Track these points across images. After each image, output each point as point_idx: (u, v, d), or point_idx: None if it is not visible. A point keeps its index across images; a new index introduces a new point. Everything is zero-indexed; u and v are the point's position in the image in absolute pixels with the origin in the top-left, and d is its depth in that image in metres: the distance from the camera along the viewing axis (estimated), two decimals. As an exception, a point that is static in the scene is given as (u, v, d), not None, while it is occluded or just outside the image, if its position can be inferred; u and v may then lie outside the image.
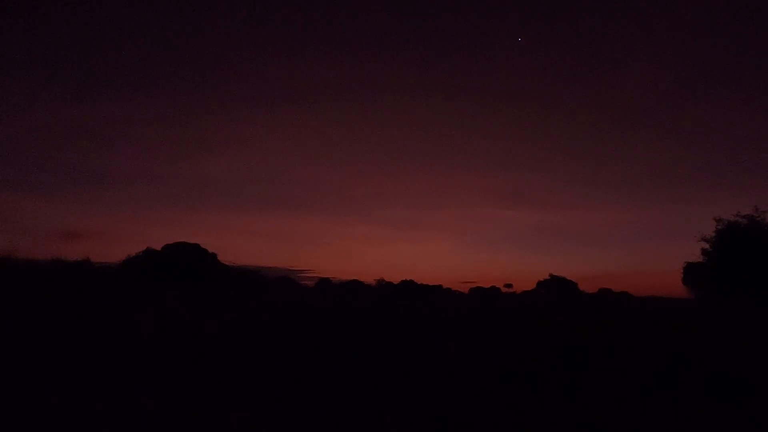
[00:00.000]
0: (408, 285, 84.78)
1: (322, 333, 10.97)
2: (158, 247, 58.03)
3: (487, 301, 49.61)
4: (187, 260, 55.78)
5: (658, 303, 47.62)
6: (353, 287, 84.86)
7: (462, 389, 5.40)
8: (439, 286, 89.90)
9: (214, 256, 61.18)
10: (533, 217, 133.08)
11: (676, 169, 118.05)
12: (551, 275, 79.58)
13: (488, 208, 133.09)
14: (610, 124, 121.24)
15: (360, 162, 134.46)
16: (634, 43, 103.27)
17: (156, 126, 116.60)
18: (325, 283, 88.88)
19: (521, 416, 4.39)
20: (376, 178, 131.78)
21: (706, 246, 36.02)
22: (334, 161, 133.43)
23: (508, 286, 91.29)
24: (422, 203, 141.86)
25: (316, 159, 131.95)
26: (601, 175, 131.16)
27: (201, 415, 4.22)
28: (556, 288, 76.14)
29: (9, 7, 78.14)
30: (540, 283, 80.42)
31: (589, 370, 6.67)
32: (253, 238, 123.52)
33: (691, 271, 38.72)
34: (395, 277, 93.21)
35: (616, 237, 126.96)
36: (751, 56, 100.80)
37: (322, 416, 4.28)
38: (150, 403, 4.52)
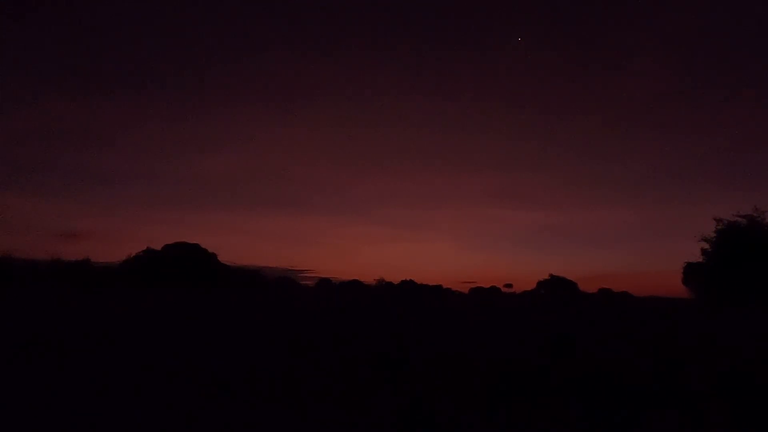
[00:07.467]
0: (408, 285, 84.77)
1: (321, 333, 10.97)
2: (158, 247, 58.20)
3: (487, 301, 49.61)
4: (187, 260, 55.85)
5: (658, 303, 47.62)
6: (353, 287, 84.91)
7: (460, 390, 5.40)
8: (439, 286, 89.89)
9: (214, 256, 61.28)
10: (533, 217, 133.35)
11: (676, 169, 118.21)
12: (551, 275, 79.58)
13: (488, 208, 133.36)
14: (610, 124, 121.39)
15: (360, 162, 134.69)
16: (634, 43, 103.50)
17: (156, 126, 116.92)
18: (325, 283, 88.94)
19: (519, 417, 4.39)
20: (376, 178, 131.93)
21: (706, 246, 36.09)
22: (334, 161, 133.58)
23: (508, 286, 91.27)
24: (422, 203, 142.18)
25: (316, 159, 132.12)
26: (601, 175, 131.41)
27: (200, 415, 4.22)
28: (556, 288, 76.12)
29: (9, 7, 78.21)
30: (540, 283, 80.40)
31: (589, 371, 6.67)
32: (253, 238, 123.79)
33: (691, 271, 38.75)
34: (395, 277, 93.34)
35: (616, 237, 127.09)
36: (751, 56, 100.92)
37: (320, 416, 4.28)
38: (150, 402, 4.53)
